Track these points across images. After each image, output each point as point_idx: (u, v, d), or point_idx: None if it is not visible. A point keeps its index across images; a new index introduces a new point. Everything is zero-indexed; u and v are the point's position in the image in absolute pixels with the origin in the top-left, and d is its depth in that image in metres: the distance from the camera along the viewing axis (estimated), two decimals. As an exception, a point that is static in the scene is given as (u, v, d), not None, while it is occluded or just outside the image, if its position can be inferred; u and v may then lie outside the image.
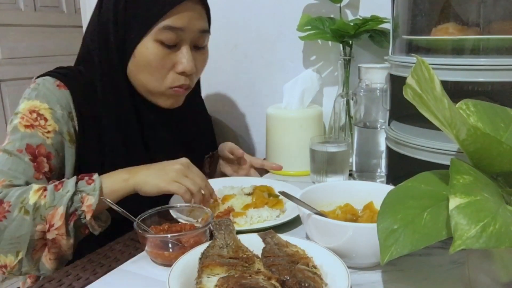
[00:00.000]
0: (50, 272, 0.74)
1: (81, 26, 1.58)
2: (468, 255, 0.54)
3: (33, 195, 0.71)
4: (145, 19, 0.82)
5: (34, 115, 0.79)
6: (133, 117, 0.88)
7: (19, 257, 0.71)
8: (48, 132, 0.79)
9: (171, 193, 0.78)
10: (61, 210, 0.70)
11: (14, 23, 2.16)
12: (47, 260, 0.73)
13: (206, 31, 0.89)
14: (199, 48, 0.89)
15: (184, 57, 0.84)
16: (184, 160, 0.80)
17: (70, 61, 0.94)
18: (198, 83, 1.07)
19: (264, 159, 1.15)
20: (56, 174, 0.81)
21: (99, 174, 0.76)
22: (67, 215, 0.71)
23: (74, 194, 0.71)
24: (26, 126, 0.78)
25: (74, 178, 0.74)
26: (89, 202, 0.72)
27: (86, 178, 0.74)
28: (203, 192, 0.79)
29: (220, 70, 1.35)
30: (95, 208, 0.72)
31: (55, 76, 0.84)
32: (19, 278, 0.98)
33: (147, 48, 0.82)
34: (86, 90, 0.85)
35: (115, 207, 0.71)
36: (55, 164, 0.80)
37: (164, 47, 0.83)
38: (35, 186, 0.72)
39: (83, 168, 0.84)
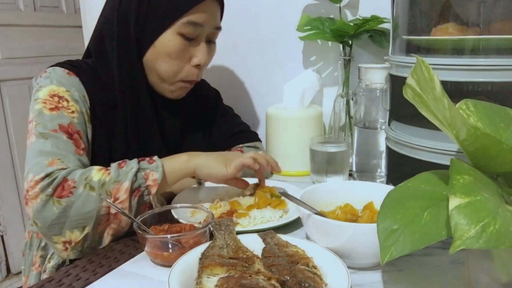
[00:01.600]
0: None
1: (80, 26, 1.58)
2: (468, 255, 0.54)
3: (96, 173, 0.73)
4: (170, 12, 0.85)
5: (56, 98, 0.81)
6: (149, 105, 0.91)
7: (85, 232, 0.72)
8: (72, 112, 0.81)
9: (235, 174, 0.83)
10: (126, 184, 0.73)
11: (14, 23, 2.15)
12: (108, 235, 0.75)
13: (219, 28, 0.94)
14: (210, 43, 0.94)
15: (200, 51, 0.89)
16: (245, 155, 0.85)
17: (70, 61, 0.94)
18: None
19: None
20: (89, 151, 0.83)
21: (107, 158, 0.81)
22: (132, 190, 0.73)
23: (138, 171, 0.74)
24: (51, 109, 0.79)
25: (135, 159, 0.77)
26: (154, 177, 0.75)
27: (147, 159, 0.78)
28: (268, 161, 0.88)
29: (220, 70, 1.35)
30: (159, 184, 0.75)
31: (63, 66, 0.87)
32: (19, 278, 0.98)
33: (169, 40, 0.86)
34: (94, 80, 0.88)
35: (115, 207, 0.71)
36: (85, 142, 0.82)
37: (185, 40, 0.87)
38: (96, 167, 0.75)
39: (94, 149, 0.85)
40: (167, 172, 0.77)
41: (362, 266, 0.64)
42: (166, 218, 0.74)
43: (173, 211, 0.76)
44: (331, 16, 1.14)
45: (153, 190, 0.75)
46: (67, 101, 0.81)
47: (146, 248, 0.67)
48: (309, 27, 1.11)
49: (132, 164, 0.75)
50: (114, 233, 0.75)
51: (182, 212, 0.78)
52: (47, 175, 0.71)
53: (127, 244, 0.75)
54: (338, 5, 1.10)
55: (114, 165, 0.75)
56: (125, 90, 0.87)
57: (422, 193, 0.50)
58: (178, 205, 0.79)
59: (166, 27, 0.85)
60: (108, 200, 0.72)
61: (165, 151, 0.88)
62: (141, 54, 0.88)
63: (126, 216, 0.72)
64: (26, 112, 0.85)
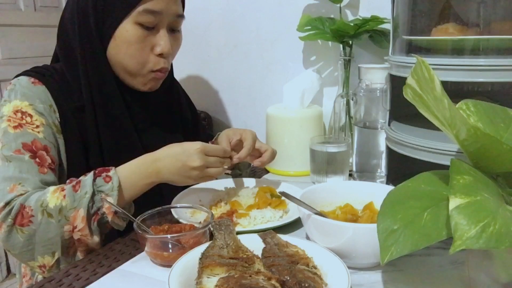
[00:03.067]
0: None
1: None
2: (468, 255, 0.54)
3: (51, 197, 0.72)
4: (125, 2, 0.83)
5: (19, 114, 0.80)
6: (120, 100, 0.88)
7: (56, 257, 0.73)
8: (37, 126, 0.80)
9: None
10: (82, 212, 0.71)
11: (14, 23, 2.15)
12: (81, 254, 0.75)
13: (181, 16, 0.91)
14: (174, 31, 0.91)
15: (162, 39, 0.86)
16: (199, 148, 0.78)
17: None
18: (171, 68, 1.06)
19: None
20: (58, 165, 0.82)
21: (84, 166, 0.79)
22: (89, 216, 0.72)
23: (94, 194, 0.72)
24: (15, 127, 0.79)
25: (91, 175, 0.74)
26: (111, 201, 0.73)
27: (104, 174, 0.75)
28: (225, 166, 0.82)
29: (220, 70, 1.35)
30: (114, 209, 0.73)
31: (29, 74, 0.85)
32: (19, 278, 0.97)
33: (127, 31, 0.84)
34: (61, 85, 0.86)
35: (115, 207, 0.71)
36: (54, 155, 0.81)
37: (143, 29, 0.84)
38: (51, 188, 0.73)
39: (69, 159, 0.84)
40: (124, 188, 0.75)
41: (362, 266, 0.64)
42: (166, 218, 0.74)
43: (173, 211, 0.76)
44: (331, 16, 1.14)
45: (110, 217, 0.73)
46: (30, 116, 0.80)
47: (146, 248, 0.67)
48: (309, 27, 1.11)
49: (86, 187, 0.72)
50: (88, 252, 0.75)
51: (182, 212, 0.78)
52: (7, 204, 0.71)
53: (127, 244, 0.75)
54: (338, 5, 1.10)
55: (68, 188, 0.73)
56: (92, 87, 0.85)
57: (422, 193, 0.50)
58: (178, 205, 0.79)
59: (123, 17, 0.83)
60: (108, 200, 0.72)
61: (142, 147, 0.87)
62: (104, 48, 0.86)
63: (126, 216, 0.72)
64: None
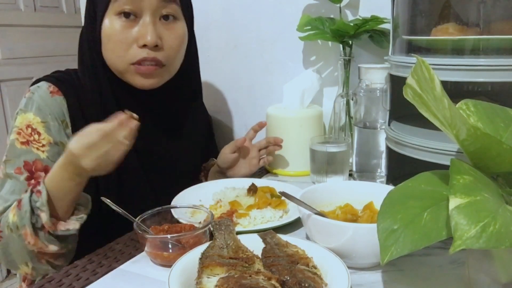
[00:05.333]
0: (66, 264, 0.76)
1: (80, 26, 1.58)
2: (468, 255, 0.54)
3: (10, 214, 0.74)
4: None
5: (29, 130, 0.81)
6: (113, 102, 0.87)
7: (30, 266, 0.75)
8: (43, 145, 0.80)
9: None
10: (28, 229, 0.71)
11: (14, 23, 2.16)
12: (55, 260, 0.76)
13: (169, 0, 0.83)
14: (167, 19, 0.84)
15: (143, 28, 0.80)
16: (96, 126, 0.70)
17: (70, 61, 0.95)
18: (199, 84, 1.06)
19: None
20: None
21: (94, 186, 0.80)
22: (36, 231, 0.72)
23: (33, 210, 0.71)
24: (22, 143, 0.80)
25: (29, 191, 0.72)
26: (44, 220, 0.71)
27: (36, 189, 0.72)
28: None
29: (220, 70, 1.35)
30: (48, 221, 0.70)
31: (50, 81, 0.84)
32: (19, 278, 0.97)
33: (108, 25, 0.81)
34: (80, 94, 0.85)
35: (115, 208, 0.71)
36: None
37: (125, 19, 0.80)
38: (14, 204, 0.74)
39: None
40: (56, 198, 0.72)
41: (362, 266, 0.64)
42: (166, 218, 0.74)
43: (173, 211, 0.76)
44: (331, 16, 1.14)
45: (52, 230, 0.72)
46: (39, 134, 0.80)
47: (146, 248, 0.67)
48: (309, 27, 1.11)
49: (25, 206, 0.71)
50: (57, 258, 0.76)
51: (182, 212, 0.78)
52: None
53: (127, 244, 0.75)
54: (338, 5, 1.10)
55: (15, 205, 0.73)
56: (92, 90, 0.85)
57: (422, 193, 0.50)
58: (178, 205, 0.79)
59: (104, 10, 0.81)
60: (108, 201, 0.72)
61: (134, 151, 0.84)
62: (99, 49, 0.85)
63: (127, 216, 0.72)
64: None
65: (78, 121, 0.84)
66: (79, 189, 0.74)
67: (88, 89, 0.86)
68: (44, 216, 0.71)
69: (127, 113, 0.70)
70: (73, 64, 0.94)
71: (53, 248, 0.73)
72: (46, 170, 0.79)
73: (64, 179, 0.72)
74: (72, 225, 0.75)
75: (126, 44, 0.81)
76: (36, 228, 0.72)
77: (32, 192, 0.72)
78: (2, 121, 2.08)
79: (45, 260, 0.76)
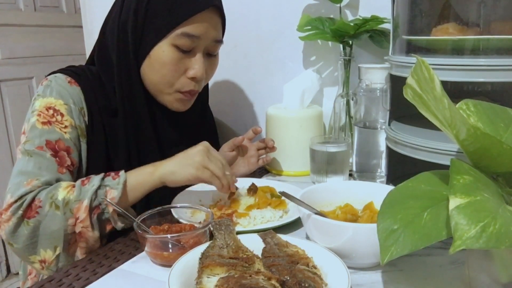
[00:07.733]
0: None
1: (81, 26, 1.58)
2: (468, 255, 0.54)
3: (62, 191, 0.73)
4: (165, 23, 0.84)
5: (51, 111, 0.81)
6: (147, 114, 0.90)
7: (57, 252, 0.74)
8: (65, 127, 0.81)
9: (199, 180, 0.78)
10: (85, 203, 0.72)
11: (14, 23, 2.16)
12: (81, 254, 0.76)
13: (220, 41, 0.92)
14: (211, 55, 0.92)
15: (196, 63, 0.87)
16: (204, 143, 0.81)
17: (70, 61, 0.95)
18: (206, 89, 1.08)
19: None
20: (77, 168, 0.83)
21: (106, 170, 0.78)
22: (91, 208, 0.73)
23: (99, 188, 0.73)
24: (44, 123, 0.80)
25: (102, 174, 0.76)
26: (112, 195, 0.73)
27: (112, 174, 0.76)
28: (227, 173, 0.81)
29: (220, 70, 1.35)
30: (117, 202, 0.73)
31: (66, 73, 0.86)
32: (19, 278, 0.98)
33: (163, 51, 0.85)
34: (95, 87, 0.87)
35: (115, 208, 0.71)
36: (75, 158, 0.82)
37: (179, 51, 0.85)
38: (63, 184, 0.75)
39: (91, 162, 0.85)
40: (130, 187, 0.76)
41: (362, 266, 0.64)
42: (166, 218, 0.74)
43: (173, 211, 0.76)
44: (331, 16, 1.14)
45: (110, 209, 0.74)
46: (62, 115, 0.81)
47: (146, 248, 0.67)
48: (309, 27, 1.11)
49: (94, 181, 0.74)
50: (86, 251, 0.76)
51: (182, 212, 0.78)
52: (20, 197, 0.72)
53: (127, 244, 0.75)
54: (338, 5, 1.10)
55: (78, 183, 0.75)
56: (124, 98, 0.87)
57: (422, 193, 0.50)
58: (178, 205, 0.79)
59: (161, 38, 0.84)
60: (108, 200, 0.72)
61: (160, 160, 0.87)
62: (139, 65, 0.88)
63: (127, 216, 0.72)
64: (26, 112, 0.85)
65: (94, 113, 0.86)
66: (147, 190, 0.78)
67: (118, 96, 0.87)
68: (114, 192, 0.73)
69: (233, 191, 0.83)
70: (74, 64, 0.94)
71: (95, 233, 0.74)
72: (68, 151, 0.80)
73: (142, 174, 0.77)
74: (121, 220, 0.76)
75: (178, 73, 0.87)
76: (92, 206, 0.72)
77: (105, 175, 0.76)
78: (2, 121, 2.08)
79: (74, 249, 0.75)
